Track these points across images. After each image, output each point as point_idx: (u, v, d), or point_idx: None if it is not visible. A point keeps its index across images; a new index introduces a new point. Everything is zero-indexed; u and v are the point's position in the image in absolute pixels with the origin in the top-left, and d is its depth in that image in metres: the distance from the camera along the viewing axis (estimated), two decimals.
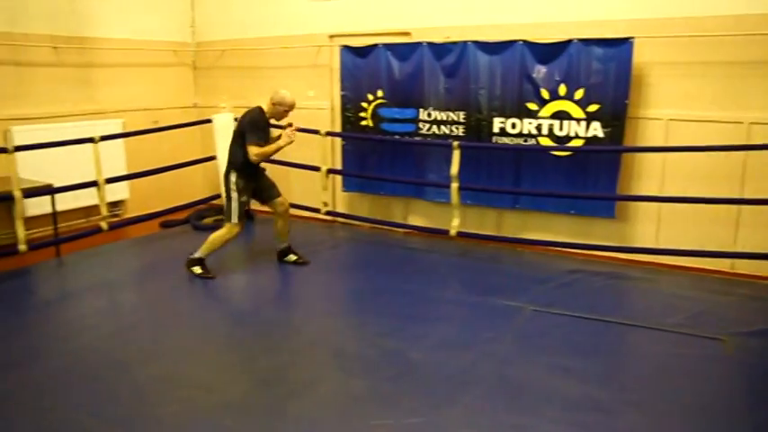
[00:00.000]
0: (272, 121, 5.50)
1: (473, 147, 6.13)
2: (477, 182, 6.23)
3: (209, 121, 7.24)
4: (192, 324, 4.55)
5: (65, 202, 6.27)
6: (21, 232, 5.51)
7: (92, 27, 6.98)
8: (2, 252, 5.67)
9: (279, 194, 5.68)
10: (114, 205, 7.11)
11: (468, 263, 5.95)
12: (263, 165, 5.60)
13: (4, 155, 5.50)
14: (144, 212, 7.00)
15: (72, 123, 6.65)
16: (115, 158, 6.80)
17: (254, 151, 5.20)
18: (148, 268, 5.89)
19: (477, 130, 6.18)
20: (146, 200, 7.27)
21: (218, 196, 7.35)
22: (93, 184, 6.06)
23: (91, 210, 6.71)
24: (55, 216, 6.12)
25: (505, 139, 6.08)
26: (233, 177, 5.35)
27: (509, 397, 3.54)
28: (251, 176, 5.43)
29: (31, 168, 5.91)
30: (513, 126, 6.03)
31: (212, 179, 7.68)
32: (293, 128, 5.27)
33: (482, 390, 3.61)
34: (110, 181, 6.22)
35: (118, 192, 6.99)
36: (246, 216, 7.26)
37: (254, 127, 5.24)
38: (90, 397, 3.54)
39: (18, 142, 5.76)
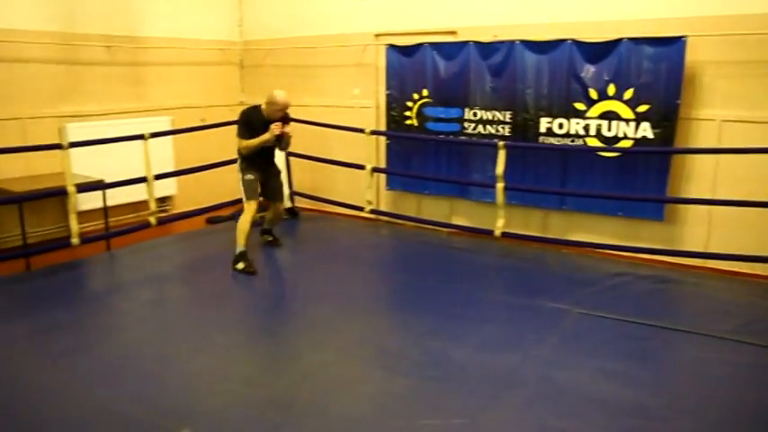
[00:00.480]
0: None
1: (519, 147, 6.08)
2: (523, 182, 6.18)
3: None
4: (237, 319, 4.61)
5: (115, 197, 6.41)
6: (74, 226, 5.66)
7: (143, 27, 7.13)
8: (56, 245, 5.83)
9: (279, 200, 6.16)
10: (162, 201, 7.25)
11: (513, 264, 5.90)
12: (278, 168, 6.14)
13: (58, 151, 5.66)
14: (190, 208, 7.12)
15: (122, 120, 6.80)
16: (163, 155, 6.92)
17: (239, 144, 5.72)
18: (194, 263, 5.99)
19: (524, 129, 6.12)
20: (192, 196, 7.39)
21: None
22: (143, 180, 6.19)
23: (139, 205, 6.85)
24: (106, 211, 6.28)
25: (552, 140, 6.01)
26: (238, 162, 5.85)
27: (555, 400, 3.50)
28: (257, 165, 5.80)
29: (82, 164, 6.05)
30: (561, 126, 5.95)
31: None
32: (279, 125, 5.57)
33: (527, 392, 3.58)
34: (158, 177, 6.35)
35: (166, 188, 7.12)
36: (291, 213, 7.41)
37: (241, 123, 5.72)
38: (138, 388, 3.62)
39: (72, 139, 5.91)
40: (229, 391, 3.59)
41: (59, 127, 6.37)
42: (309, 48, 7.56)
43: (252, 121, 5.67)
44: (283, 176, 7.23)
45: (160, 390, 3.61)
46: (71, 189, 5.58)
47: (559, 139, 5.98)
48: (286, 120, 5.74)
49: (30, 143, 6.02)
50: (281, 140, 5.74)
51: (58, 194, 5.70)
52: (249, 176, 5.73)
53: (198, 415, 3.33)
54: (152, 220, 6.27)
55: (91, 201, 6.21)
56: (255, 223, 5.82)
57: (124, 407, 3.42)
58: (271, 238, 6.38)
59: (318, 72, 7.63)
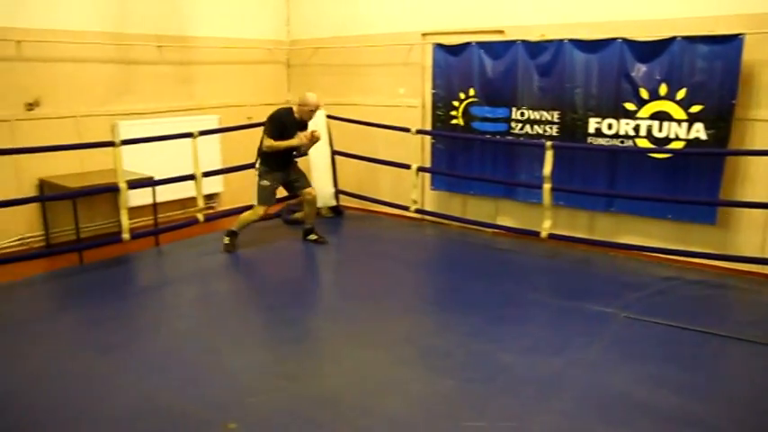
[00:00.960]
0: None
1: (567, 147, 6.00)
2: (570, 183, 6.10)
3: None
4: (282, 316, 4.65)
5: (164, 193, 6.54)
6: (125, 221, 5.79)
7: (192, 26, 7.26)
8: (107, 240, 5.98)
9: (307, 185, 6.22)
10: (209, 198, 7.37)
11: (559, 265, 5.83)
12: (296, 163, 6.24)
13: (110, 148, 5.80)
14: (237, 206, 7.21)
15: (171, 119, 6.94)
16: (211, 153, 7.04)
17: (265, 143, 5.86)
18: (240, 260, 6.07)
19: (572, 130, 6.04)
20: (239, 193, 7.49)
21: None
22: (191, 177, 6.30)
23: (187, 202, 6.99)
24: (155, 207, 6.40)
25: (601, 140, 5.92)
26: (257, 164, 6.00)
27: (602, 406, 3.44)
28: (277, 165, 5.96)
29: (132, 160, 6.17)
30: (610, 127, 5.86)
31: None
32: (308, 132, 5.86)
33: (574, 396, 3.53)
34: (206, 174, 6.45)
35: (213, 185, 7.24)
36: (336, 212, 7.45)
37: (271, 123, 5.87)
38: (185, 381, 3.69)
39: (123, 136, 6.05)
40: (275, 388, 3.63)
41: (112, 125, 6.54)
42: (356, 47, 7.60)
43: (284, 123, 5.85)
44: (328, 175, 7.30)
45: (207, 384, 3.67)
46: (122, 186, 5.72)
47: (608, 139, 5.88)
48: (306, 126, 6.00)
49: (83, 140, 6.19)
50: (300, 148, 6.02)
51: (110, 191, 5.85)
52: (265, 182, 5.94)
53: (244, 410, 3.38)
54: (200, 216, 6.38)
55: (141, 197, 6.34)
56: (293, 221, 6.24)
57: (171, 399, 3.49)
58: (315, 237, 6.41)
59: (364, 71, 7.66)
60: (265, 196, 6.00)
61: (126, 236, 5.82)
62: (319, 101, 5.96)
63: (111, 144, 5.77)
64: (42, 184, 6.12)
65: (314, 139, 5.97)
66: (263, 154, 5.94)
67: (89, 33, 6.35)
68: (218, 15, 7.52)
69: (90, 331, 4.40)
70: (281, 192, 7.66)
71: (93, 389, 3.60)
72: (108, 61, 6.55)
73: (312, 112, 5.96)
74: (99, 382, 3.67)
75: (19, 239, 6.10)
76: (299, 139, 5.82)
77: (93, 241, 6.09)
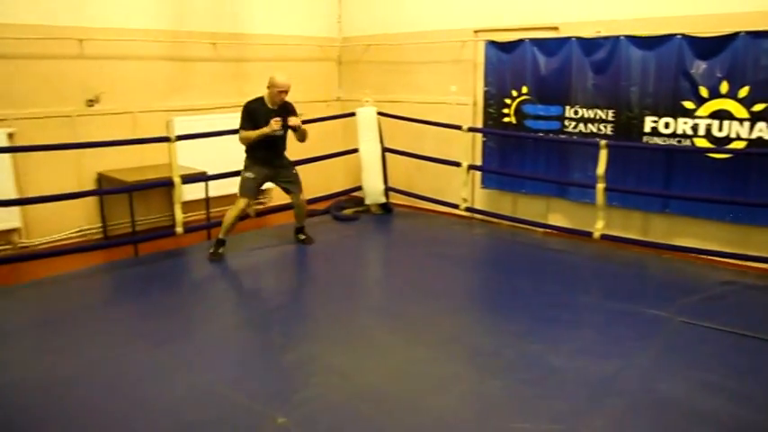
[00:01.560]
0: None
1: (622, 146, 5.89)
2: (625, 183, 5.99)
3: (352, 114, 7.42)
4: (332, 311, 4.69)
5: (216, 188, 6.64)
6: (179, 215, 5.93)
7: (246, 24, 7.37)
8: (161, 233, 6.13)
9: (296, 191, 6.05)
10: (260, 193, 7.46)
11: (612, 267, 5.73)
12: (290, 160, 6.09)
13: (165, 143, 5.94)
14: (287, 202, 7.28)
15: (225, 114, 7.03)
16: None
17: (239, 135, 5.77)
18: (290, 255, 6.13)
19: (627, 129, 5.93)
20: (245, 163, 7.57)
21: (359, 188, 7.55)
22: None
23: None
24: (208, 202, 6.53)
25: (657, 140, 5.79)
26: (244, 157, 5.89)
27: (654, 412, 3.37)
28: (262, 160, 5.81)
29: (186, 155, 6.31)
30: (667, 126, 5.72)
31: (353, 171, 7.88)
32: (278, 120, 5.56)
33: (625, 402, 3.47)
34: (293, 165, 6.51)
35: None
36: (385, 209, 7.47)
37: (242, 115, 5.75)
38: (236, 374, 3.76)
39: (178, 132, 6.18)
40: (325, 383, 3.67)
41: (167, 120, 6.67)
42: (408, 44, 7.59)
43: (251, 112, 5.68)
44: (378, 172, 7.30)
45: (257, 377, 3.74)
46: (177, 180, 5.85)
47: (665, 139, 5.75)
48: (292, 112, 5.76)
49: (140, 136, 6.35)
50: (296, 132, 5.78)
51: (164, 185, 5.98)
52: (249, 174, 5.82)
53: (293, 405, 3.42)
54: (251, 211, 6.47)
55: (194, 191, 6.47)
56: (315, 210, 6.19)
57: (224, 391, 3.56)
58: (303, 237, 6.32)
59: (415, 68, 7.66)
60: (247, 188, 5.84)
61: (179, 229, 5.95)
62: (289, 82, 5.64)
63: (166, 140, 5.91)
64: (101, 178, 6.31)
65: (292, 127, 5.71)
66: (247, 148, 5.83)
67: (147, 31, 6.51)
68: (271, 13, 7.61)
69: (145, 322, 4.52)
70: (329, 187, 7.76)
71: (148, 379, 3.70)
72: (165, 59, 6.71)
73: (281, 93, 5.64)
74: (153, 373, 3.77)
75: (78, 231, 6.30)
76: (270, 126, 5.55)
77: (147, 234, 6.25)
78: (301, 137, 5.90)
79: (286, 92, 5.64)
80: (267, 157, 5.81)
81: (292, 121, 5.65)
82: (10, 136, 5.72)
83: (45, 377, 3.73)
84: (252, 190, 5.88)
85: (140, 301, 4.90)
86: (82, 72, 6.13)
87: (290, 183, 6.01)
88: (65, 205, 5.86)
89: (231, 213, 5.84)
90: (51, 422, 3.29)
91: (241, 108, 5.79)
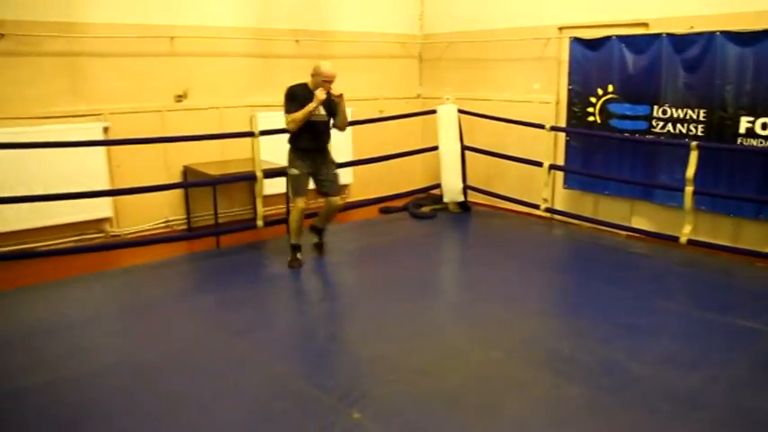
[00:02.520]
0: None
1: (714, 148, 5.65)
2: (715, 187, 5.74)
3: (433, 111, 7.40)
4: (407, 310, 4.69)
5: None
6: (260, 209, 6.06)
7: (329, 21, 7.46)
8: (243, 226, 6.28)
9: (332, 194, 5.60)
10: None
11: (699, 274, 5.51)
12: (333, 158, 5.72)
13: (248, 138, 6.08)
14: (365, 197, 7.35)
15: None
16: (343, 145, 7.18)
17: (285, 120, 5.42)
18: (367, 251, 6.18)
19: (720, 129, 5.67)
20: (367, 185, 7.64)
21: (437, 186, 7.52)
22: None
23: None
24: (288, 196, 6.63)
25: (753, 141, 5.51)
26: (288, 152, 5.58)
27: (744, 429, 3.22)
28: (305, 153, 5.48)
29: (266, 150, 6.38)
30: (764, 126, 5.44)
31: (431, 168, 7.86)
32: (322, 90, 5.26)
33: (713, 416, 3.32)
34: (337, 166, 6.57)
35: (343, 176, 7.31)
36: (463, 207, 7.41)
37: (286, 99, 5.42)
38: (313, 367, 3.82)
39: (261, 127, 6.31)
40: (401, 381, 3.67)
41: (251, 115, 6.82)
42: (490, 41, 7.51)
43: (296, 94, 5.38)
44: (457, 170, 7.25)
45: (333, 371, 3.78)
46: (259, 175, 5.98)
47: (762, 140, 5.46)
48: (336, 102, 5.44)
49: (224, 131, 6.54)
50: (334, 112, 5.45)
51: (248, 179, 6.13)
52: (294, 171, 5.50)
53: (368, 400, 3.44)
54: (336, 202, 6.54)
55: (274, 186, 6.58)
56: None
57: (299, 384, 3.62)
58: (316, 240, 5.92)
59: (497, 66, 7.56)
60: (297, 186, 5.52)
61: (260, 223, 6.09)
62: (334, 72, 5.34)
63: (250, 134, 6.05)
64: (186, 171, 6.52)
65: (333, 96, 5.37)
66: (290, 138, 5.52)
67: (234, 29, 6.69)
68: (354, 10, 7.68)
69: (225, 312, 4.65)
70: (407, 185, 7.76)
71: (229, 367, 3.81)
72: (250, 55, 6.87)
73: (326, 83, 5.32)
74: (233, 361, 3.88)
75: (164, 222, 6.55)
76: (315, 98, 5.21)
77: (229, 226, 6.43)
78: (342, 122, 5.55)
79: (330, 82, 5.34)
80: (310, 147, 5.48)
81: (337, 91, 5.35)
82: (105, 130, 5.99)
83: (133, 362, 3.90)
84: (302, 186, 5.55)
85: (221, 291, 5.04)
86: (172, 69, 6.36)
87: (330, 183, 5.61)
88: (152, 197, 6.12)
89: (293, 217, 5.60)
90: (139, 406, 3.42)
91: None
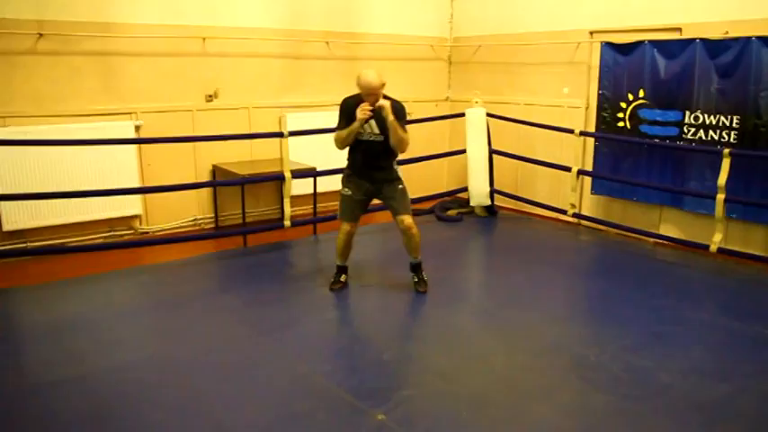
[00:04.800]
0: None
1: (747, 156, 5.54)
2: (747, 195, 5.62)
3: (461, 114, 7.37)
4: (433, 312, 4.68)
5: (323, 184, 6.75)
6: (287, 209, 6.08)
7: (360, 23, 7.46)
8: (270, 226, 6.31)
9: (398, 212, 4.85)
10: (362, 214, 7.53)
11: (729, 283, 5.41)
12: (398, 174, 4.97)
13: (277, 138, 6.11)
14: (341, 189, 7.33)
15: (333, 112, 7.10)
16: None
17: (333, 138, 4.82)
18: (392, 254, 6.14)
19: (754, 137, 5.56)
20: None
21: (464, 189, 7.49)
22: None
23: None
24: (315, 197, 6.66)
25: None
26: (344, 169, 5.02)
27: None
28: (359, 170, 4.86)
29: (294, 151, 6.42)
30: None
31: (458, 172, 7.84)
32: (365, 105, 4.53)
33: (741, 427, 3.26)
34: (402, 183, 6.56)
35: None
36: (490, 212, 7.37)
37: (339, 112, 4.83)
38: (338, 368, 3.83)
39: (291, 127, 6.35)
40: (424, 383, 3.66)
41: (280, 116, 6.88)
42: (520, 45, 7.46)
43: (348, 109, 4.70)
44: (485, 174, 7.21)
45: (359, 372, 3.78)
46: (287, 175, 6.00)
47: None
48: (395, 113, 4.57)
49: (254, 131, 6.58)
50: (383, 128, 4.62)
51: (276, 179, 6.15)
52: (346, 191, 4.91)
53: (393, 402, 3.42)
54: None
55: (302, 186, 6.62)
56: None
57: (325, 384, 3.62)
58: (416, 279, 5.07)
59: (526, 70, 7.51)
60: (345, 208, 4.92)
61: (287, 223, 6.10)
62: (374, 81, 4.52)
63: (279, 135, 6.08)
64: (215, 170, 6.57)
65: (376, 110, 4.55)
66: (348, 156, 4.94)
67: (265, 30, 6.72)
68: (384, 12, 7.67)
69: (252, 311, 4.67)
70: (435, 187, 7.73)
71: (254, 366, 3.82)
72: (280, 56, 6.90)
73: (370, 96, 4.53)
74: (259, 360, 3.89)
75: (193, 220, 6.60)
76: (358, 118, 4.53)
77: (256, 226, 6.46)
78: (396, 142, 4.63)
79: (374, 95, 4.54)
80: (364, 166, 4.82)
81: (380, 103, 4.52)
82: (137, 128, 6.06)
83: (160, 358, 3.93)
84: (350, 211, 4.92)
85: (248, 290, 5.07)
86: (203, 69, 6.41)
87: (393, 199, 4.87)
88: (181, 195, 6.19)
89: (338, 238, 5.02)
90: (165, 402, 3.45)
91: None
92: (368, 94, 4.54)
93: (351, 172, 4.91)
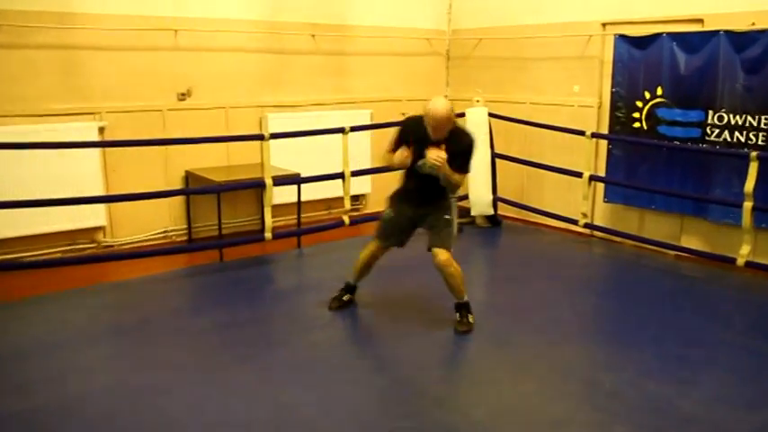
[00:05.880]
0: None
1: None
2: None
3: (461, 115, 7.34)
4: (430, 334, 4.64)
5: (308, 192, 6.73)
6: (268, 220, 6.03)
7: (349, 15, 7.46)
8: (249, 238, 6.26)
9: (433, 244, 4.68)
10: (356, 199, 7.52)
11: (758, 301, 5.39)
12: (449, 203, 4.75)
13: (258, 141, 6.06)
14: (383, 209, 7.29)
15: (320, 112, 7.17)
16: (360, 150, 7.16)
17: (383, 156, 4.82)
18: (385, 269, 6.05)
19: None
20: (387, 195, 7.56)
21: (465, 197, 7.45)
22: (340, 175, 6.43)
23: (332, 202, 7.17)
24: (299, 206, 6.62)
25: None
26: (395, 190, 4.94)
27: None
28: (406, 196, 4.78)
29: (276, 155, 6.33)
30: None
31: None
32: (436, 153, 4.31)
33: None
34: (355, 174, 6.56)
35: (360, 185, 7.36)
36: (493, 222, 7.34)
37: (397, 130, 4.73)
38: (324, 396, 3.76)
39: (273, 129, 6.31)
40: (420, 413, 3.62)
41: (260, 117, 6.85)
42: (525, 38, 7.46)
43: (405, 132, 4.61)
44: (487, 181, 7.18)
45: (347, 401, 3.73)
46: (269, 182, 5.95)
47: None
48: (458, 149, 4.43)
49: (232, 133, 6.55)
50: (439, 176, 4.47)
51: (255, 186, 6.11)
52: (388, 212, 4.86)
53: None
54: (345, 218, 6.52)
55: (285, 194, 6.57)
56: None
57: (311, 413, 3.58)
58: (458, 318, 4.78)
59: (532, 65, 7.51)
60: (383, 228, 4.88)
61: (268, 235, 6.05)
62: (442, 113, 4.32)
63: (260, 137, 6.04)
64: (188, 177, 6.52)
65: (436, 162, 4.33)
66: (402, 175, 4.84)
67: (244, 22, 6.70)
68: (375, 3, 7.67)
69: (229, 334, 4.60)
70: None
71: (232, 396, 3.75)
72: (260, 51, 6.88)
73: (435, 130, 4.37)
74: (237, 390, 3.82)
75: (163, 232, 6.54)
76: (431, 158, 4.33)
77: (234, 238, 6.42)
78: (446, 184, 4.54)
79: (439, 128, 4.37)
80: (413, 192, 4.73)
81: (430, 153, 4.33)
82: (101, 130, 6.02)
83: (122, 387, 3.85)
84: (384, 231, 4.86)
85: (224, 310, 5.00)
86: (175, 64, 6.38)
87: (432, 228, 4.70)
88: (150, 204, 6.13)
89: (360, 255, 4.99)
90: None
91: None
92: (434, 127, 4.38)
93: (399, 194, 4.85)
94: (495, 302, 5.53)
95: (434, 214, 4.69)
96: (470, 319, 4.75)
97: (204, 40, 6.48)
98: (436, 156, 4.29)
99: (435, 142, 4.39)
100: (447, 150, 4.35)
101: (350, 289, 5.11)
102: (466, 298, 4.77)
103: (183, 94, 6.45)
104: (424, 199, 4.71)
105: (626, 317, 5.02)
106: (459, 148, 4.46)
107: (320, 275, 5.85)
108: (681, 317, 4.95)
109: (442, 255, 4.60)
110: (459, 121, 7.34)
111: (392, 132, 4.73)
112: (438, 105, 4.34)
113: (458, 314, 4.80)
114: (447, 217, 4.69)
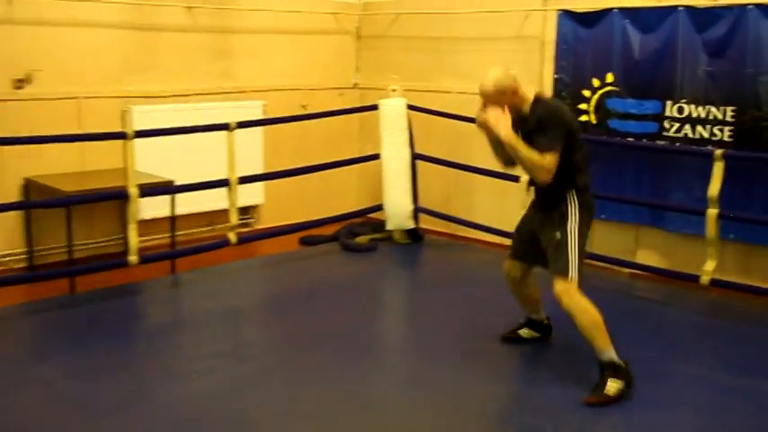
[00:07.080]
0: None
1: (745, 158, 5.79)
2: (748, 209, 5.87)
3: (374, 107, 7.40)
4: (337, 378, 4.63)
5: (185, 203, 6.62)
6: (133, 239, 5.90)
7: None
8: (109, 263, 6.11)
9: (550, 270, 4.54)
10: (245, 211, 7.46)
11: (727, 325, 5.62)
12: (565, 210, 4.47)
13: (120, 141, 5.96)
14: (281, 224, 7.27)
15: (199, 104, 7.07)
16: (251, 151, 7.12)
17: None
18: (283, 297, 6.09)
19: (753, 134, 5.82)
20: (284, 207, 7.57)
21: (378, 208, 7.49)
22: (224, 183, 6.37)
23: (214, 215, 7.09)
24: (173, 222, 6.52)
25: None
26: None
27: None
28: (534, 201, 4.82)
29: (145, 158, 6.29)
30: None
31: (371, 184, 7.86)
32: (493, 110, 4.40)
33: None
34: (243, 181, 6.51)
35: (251, 195, 7.31)
36: (414, 237, 7.39)
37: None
38: None
39: (138, 126, 6.19)
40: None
41: (123, 110, 6.70)
42: (451, 14, 7.58)
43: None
44: (405, 187, 7.23)
45: None
46: (133, 191, 5.82)
47: None
48: (534, 123, 4.39)
49: (85, 130, 6.38)
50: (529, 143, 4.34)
51: (116, 197, 5.98)
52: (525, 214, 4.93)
53: None
54: (232, 236, 6.45)
55: (155, 207, 6.48)
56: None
57: None
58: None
59: (460, 47, 7.64)
60: (513, 239, 5.04)
61: (133, 258, 5.93)
62: (491, 85, 4.42)
63: (122, 136, 5.93)
64: (28, 186, 6.32)
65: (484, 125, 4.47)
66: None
67: None
68: None
69: (80, 385, 4.47)
70: (339, 206, 7.70)
71: None
72: (122, 26, 6.74)
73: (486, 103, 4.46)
74: None
75: None
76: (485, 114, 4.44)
77: (89, 264, 6.26)
78: (520, 164, 4.49)
79: (485, 99, 4.45)
80: (535, 193, 4.76)
81: (482, 115, 4.45)
82: None
83: None
84: (514, 243, 4.96)
85: (75, 354, 4.87)
86: (9, 42, 6.17)
87: (547, 248, 4.53)
88: None
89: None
90: None
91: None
92: (485, 103, 4.46)
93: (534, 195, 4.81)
94: (412, 336, 5.59)
95: (549, 228, 4.53)
96: (609, 389, 4.26)
97: (49, 12, 6.30)
98: (493, 115, 4.32)
99: (516, 120, 4.36)
100: (526, 123, 4.38)
101: (529, 323, 5.16)
102: (609, 354, 4.36)
103: (20, 81, 6.25)
104: (541, 203, 4.67)
105: (571, 347, 5.04)
106: (534, 116, 4.41)
107: (200, 308, 5.78)
108: (637, 347, 5.01)
109: (556, 284, 4.45)
110: (372, 114, 7.43)
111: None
112: (490, 72, 4.48)
113: (538, 322, 5.10)
114: (559, 235, 4.43)
